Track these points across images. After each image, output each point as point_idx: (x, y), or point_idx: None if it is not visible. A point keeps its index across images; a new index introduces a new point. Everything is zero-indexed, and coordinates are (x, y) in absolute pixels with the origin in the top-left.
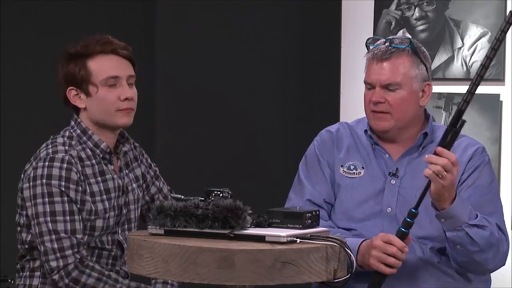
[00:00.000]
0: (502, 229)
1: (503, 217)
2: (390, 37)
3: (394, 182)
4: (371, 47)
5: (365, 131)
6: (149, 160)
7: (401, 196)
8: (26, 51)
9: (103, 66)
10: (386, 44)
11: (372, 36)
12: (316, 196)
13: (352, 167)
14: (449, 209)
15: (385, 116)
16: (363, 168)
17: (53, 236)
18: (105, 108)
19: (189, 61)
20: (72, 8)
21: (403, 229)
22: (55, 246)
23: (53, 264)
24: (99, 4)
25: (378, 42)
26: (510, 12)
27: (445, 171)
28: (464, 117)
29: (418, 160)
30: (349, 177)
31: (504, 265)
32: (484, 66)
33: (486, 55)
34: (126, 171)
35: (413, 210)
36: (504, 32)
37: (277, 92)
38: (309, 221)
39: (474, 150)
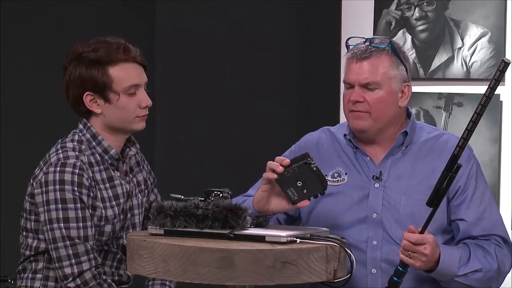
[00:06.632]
0: (507, 240)
1: (503, 224)
2: (371, 37)
3: (378, 185)
4: (351, 47)
5: (344, 135)
6: (149, 167)
7: (385, 201)
8: (26, 51)
9: (125, 74)
10: (366, 43)
11: (372, 36)
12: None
13: (336, 174)
14: (436, 270)
15: (364, 115)
16: (346, 174)
17: (67, 242)
18: (125, 115)
19: (189, 61)
20: (72, 9)
21: (395, 278)
22: (70, 252)
23: (68, 270)
24: (99, 4)
25: (358, 42)
26: (502, 60)
27: (411, 252)
28: (464, 117)
29: (401, 161)
30: (334, 185)
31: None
32: (479, 111)
33: (480, 102)
34: (131, 175)
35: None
36: (497, 80)
37: (277, 92)
38: None
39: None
